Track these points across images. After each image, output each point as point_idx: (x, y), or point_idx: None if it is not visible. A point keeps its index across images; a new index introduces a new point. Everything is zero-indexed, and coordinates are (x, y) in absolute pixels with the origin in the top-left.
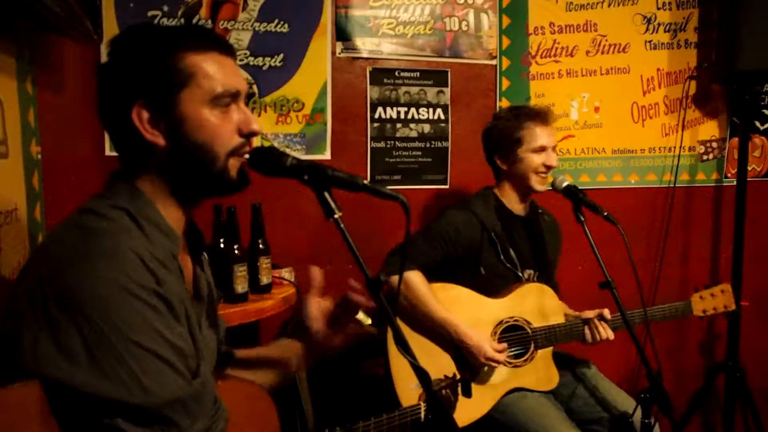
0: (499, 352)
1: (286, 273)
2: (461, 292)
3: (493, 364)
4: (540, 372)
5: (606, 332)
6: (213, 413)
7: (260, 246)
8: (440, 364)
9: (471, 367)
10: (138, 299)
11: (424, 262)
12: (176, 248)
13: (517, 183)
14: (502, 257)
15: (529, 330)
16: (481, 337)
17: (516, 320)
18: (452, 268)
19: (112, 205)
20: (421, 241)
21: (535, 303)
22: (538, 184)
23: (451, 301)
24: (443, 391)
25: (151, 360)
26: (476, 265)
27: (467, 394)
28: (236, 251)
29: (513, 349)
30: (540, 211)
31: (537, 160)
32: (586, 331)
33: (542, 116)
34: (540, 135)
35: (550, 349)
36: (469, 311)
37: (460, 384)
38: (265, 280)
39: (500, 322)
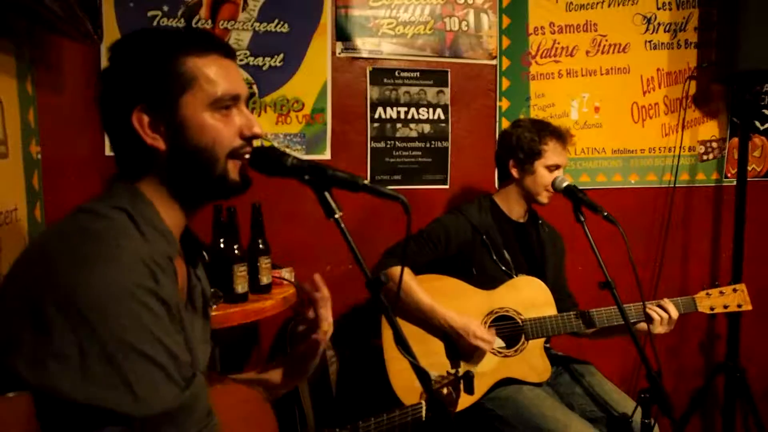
0: (488, 338)
1: (286, 273)
2: (448, 282)
3: (482, 344)
4: (531, 363)
5: (668, 306)
6: (203, 426)
7: (260, 246)
8: (432, 351)
9: (462, 354)
10: (138, 302)
11: (411, 262)
12: (173, 251)
13: (524, 192)
14: (494, 257)
15: (519, 320)
16: (468, 320)
17: (506, 311)
18: (444, 268)
19: (112, 206)
20: (411, 244)
21: (526, 295)
22: (545, 198)
23: (437, 292)
24: (445, 389)
25: (146, 366)
26: (468, 266)
27: (469, 391)
28: (236, 251)
29: (503, 337)
30: (540, 221)
31: (548, 177)
32: (654, 314)
33: (565, 138)
34: (560, 154)
35: (542, 341)
36: (457, 300)
37: (462, 381)
38: (265, 280)
39: (490, 312)
